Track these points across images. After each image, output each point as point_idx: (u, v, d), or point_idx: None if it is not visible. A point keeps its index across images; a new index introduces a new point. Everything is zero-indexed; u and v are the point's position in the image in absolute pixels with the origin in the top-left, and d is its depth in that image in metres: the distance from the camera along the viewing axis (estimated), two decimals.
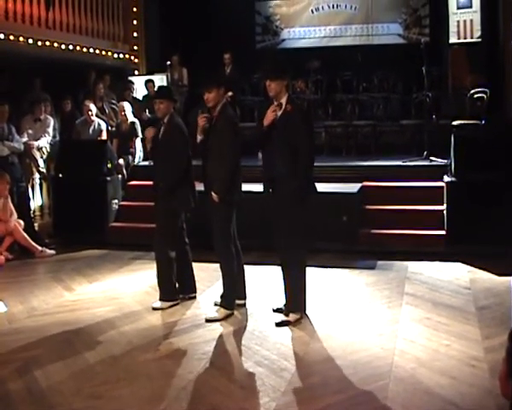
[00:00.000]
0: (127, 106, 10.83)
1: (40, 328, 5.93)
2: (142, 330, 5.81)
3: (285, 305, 5.96)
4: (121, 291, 7.07)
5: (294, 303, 5.86)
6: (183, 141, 6.38)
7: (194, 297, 6.63)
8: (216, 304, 6.23)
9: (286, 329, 5.66)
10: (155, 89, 12.21)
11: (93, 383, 4.68)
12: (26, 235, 8.88)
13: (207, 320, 5.92)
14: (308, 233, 5.99)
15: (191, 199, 6.41)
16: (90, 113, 10.64)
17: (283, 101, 5.70)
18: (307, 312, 5.94)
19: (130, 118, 10.75)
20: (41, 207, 10.38)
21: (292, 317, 5.80)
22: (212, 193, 5.94)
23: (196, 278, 6.73)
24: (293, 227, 5.73)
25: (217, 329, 5.77)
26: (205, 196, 6.12)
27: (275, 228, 5.85)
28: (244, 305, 6.29)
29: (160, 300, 6.40)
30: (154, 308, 6.32)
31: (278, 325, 5.71)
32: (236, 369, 4.90)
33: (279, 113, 5.68)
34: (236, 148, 6.06)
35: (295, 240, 5.77)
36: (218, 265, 6.20)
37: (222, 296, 6.15)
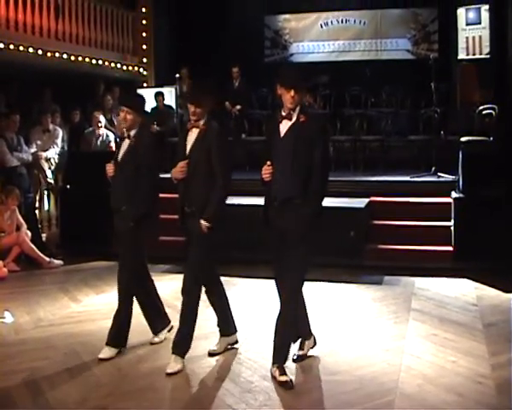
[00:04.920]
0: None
1: (46, 339, 5.94)
2: (147, 342, 5.80)
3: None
4: None
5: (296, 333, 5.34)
6: (158, 159, 5.70)
7: None
8: (210, 354, 5.54)
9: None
10: (164, 101, 12.34)
11: (98, 395, 4.68)
12: (33, 246, 8.89)
13: (210, 354, 5.52)
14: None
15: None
16: (99, 124, 10.69)
17: (296, 111, 4.97)
18: (313, 327, 5.87)
19: None
20: (48, 217, 10.41)
21: (307, 347, 5.41)
22: (202, 221, 5.10)
23: None
24: (304, 255, 4.90)
25: None
26: (185, 219, 5.33)
27: (278, 256, 5.02)
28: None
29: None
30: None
31: (295, 361, 5.28)
32: (242, 383, 4.88)
33: (289, 124, 4.97)
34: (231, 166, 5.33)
35: (304, 268, 4.97)
36: None
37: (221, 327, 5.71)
